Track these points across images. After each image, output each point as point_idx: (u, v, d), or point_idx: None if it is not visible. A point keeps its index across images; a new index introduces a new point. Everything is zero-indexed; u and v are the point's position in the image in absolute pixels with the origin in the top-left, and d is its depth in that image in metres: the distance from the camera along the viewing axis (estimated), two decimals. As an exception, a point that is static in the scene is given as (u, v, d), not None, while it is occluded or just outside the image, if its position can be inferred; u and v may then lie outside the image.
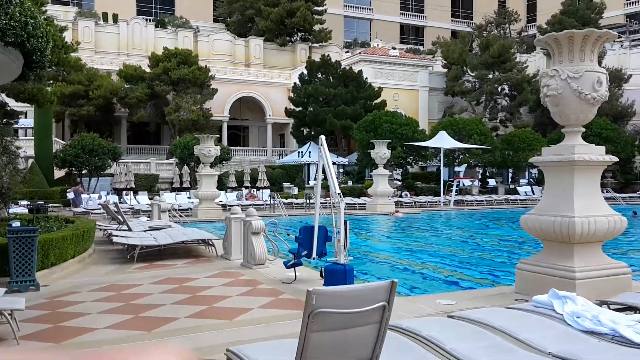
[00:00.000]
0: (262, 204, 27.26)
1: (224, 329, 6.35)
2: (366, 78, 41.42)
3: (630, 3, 67.74)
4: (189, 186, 32.66)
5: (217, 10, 63.63)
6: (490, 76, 46.40)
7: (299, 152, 39.31)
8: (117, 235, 13.09)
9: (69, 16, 49.45)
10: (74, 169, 31.93)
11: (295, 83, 42.42)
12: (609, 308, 5.69)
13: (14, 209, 20.34)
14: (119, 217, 15.69)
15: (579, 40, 7.18)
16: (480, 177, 40.33)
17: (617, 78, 45.73)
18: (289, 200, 28.76)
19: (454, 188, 32.00)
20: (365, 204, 28.07)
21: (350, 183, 35.81)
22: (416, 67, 47.81)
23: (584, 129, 7.67)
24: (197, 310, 7.25)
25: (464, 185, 36.60)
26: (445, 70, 49.70)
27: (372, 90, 40.75)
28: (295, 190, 33.02)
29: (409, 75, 47.33)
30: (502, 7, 68.82)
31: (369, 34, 69.30)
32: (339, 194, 8.31)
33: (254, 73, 48.72)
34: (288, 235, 12.05)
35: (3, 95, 17.94)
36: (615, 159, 7.79)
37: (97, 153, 30.88)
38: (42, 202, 20.84)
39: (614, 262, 7.70)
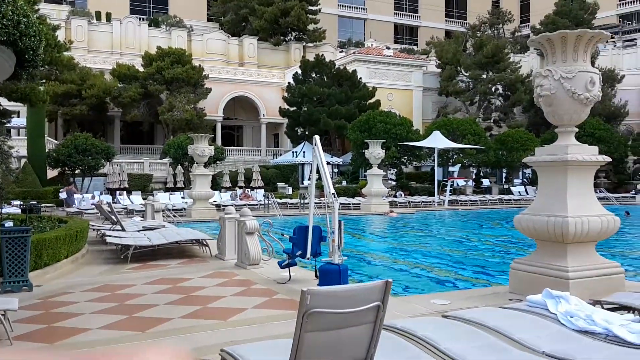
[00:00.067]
0: (256, 204, 27.22)
1: (218, 329, 6.33)
2: (360, 78, 41.45)
3: (623, 4, 68.10)
4: (183, 186, 32.58)
5: (211, 10, 63.54)
6: (484, 76, 46.55)
7: (293, 152, 39.30)
8: (110, 236, 13.04)
9: (61, 15, 49.25)
10: (67, 168, 31.80)
11: (289, 83, 42.40)
12: (603, 307, 5.71)
13: (6, 209, 20.24)
14: (113, 217, 15.63)
15: (572, 40, 7.21)
16: (474, 177, 40.43)
17: (610, 78, 45.96)
18: (283, 200, 28.74)
19: (448, 188, 32.07)
20: (359, 204, 28.08)
21: (344, 183, 35.82)
22: (410, 67, 47.89)
23: (577, 129, 7.70)
24: (191, 310, 7.24)
25: (458, 185, 36.69)
26: (439, 70, 49.81)
27: (366, 90, 40.78)
28: (290, 190, 33.00)
29: (403, 75, 47.39)
30: (495, 7, 69.07)
31: (363, 34, 69.37)
32: (333, 194, 8.31)
33: (248, 72, 48.67)
34: (282, 235, 12.03)
35: (-5, 94, 17.83)
36: (608, 159, 7.82)
37: (90, 153, 30.76)
38: (35, 202, 20.78)
39: (607, 261, 7.73)
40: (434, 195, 32.33)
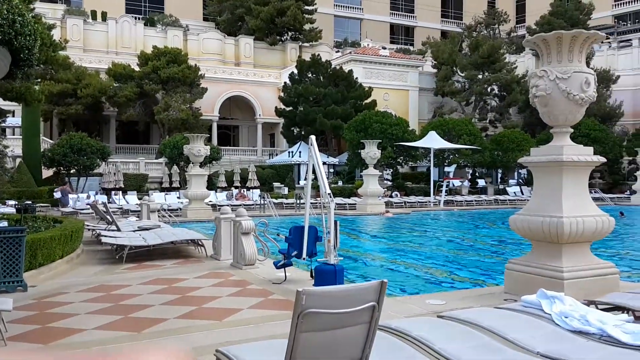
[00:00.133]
0: (252, 204, 27.20)
1: (213, 330, 6.33)
2: (356, 78, 41.46)
3: (618, 4, 68.33)
4: (179, 186, 32.52)
5: (207, 9, 63.46)
6: (480, 76, 46.64)
7: (289, 152, 39.28)
8: (105, 236, 13.00)
9: (57, 14, 49.08)
10: (62, 168, 31.71)
11: (285, 82, 42.38)
12: (597, 308, 5.73)
13: (1, 209, 20.22)
14: (108, 217, 15.59)
15: (567, 41, 7.23)
16: (469, 177, 40.52)
17: (605, 79, 46.13)
18: (279, 200, 28.73)
19: (444, 188, 32.12)
20: (355, 204, 28.09)
21: (340, 183, 35.83)
22: (406, 67, 47.94)
23: (572, 130, 7.72)
24: (187, 310, 7.23)
25: (453, 185, 36.75)
26: (435, 70, 49.86)
27: (362, 90, 40.80)
28: (286, 190, 32.99)
29: (399, 75, 47.43)
30: (491, 7, 69.15)
31: (359, 34, 69.40)
32: (329, 194, 8.31)
33: (244, 72, 48.62)
34: (278, 235, 12.04)
35: (-10, 93, 17.76)
36: (603, 159, 7.85)
37: (86, 152, 30.69)
38: (30, 202, 20.71)
39: (602, 262, 7.76)
40: (429, 196, 32.38)
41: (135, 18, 53.28)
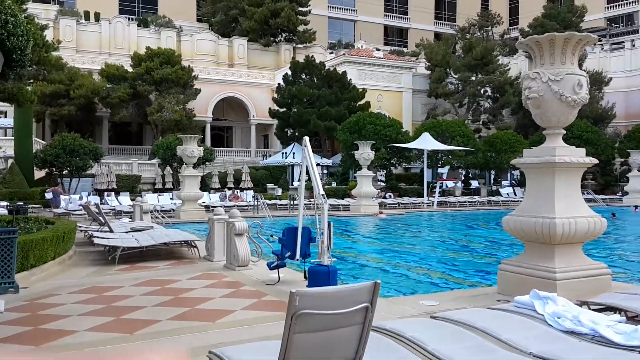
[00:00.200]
0: (246, 205, 27.16)
1: (206, 331, 6.31)
2: (350, 79, 41.51)
3: (611, 7, 68.74)
4: (172, 187, 32.45)
5: (201, 10, 63.39)
6: (473, 78, 46.82)
7: (282, 153, 39.27)
8: (98, 237, 12.95)
9: (50, 14, 48.93)
10: (54, 169, 31.56)
11: (279, 84, 42.38)
12: (589, 308, 5.75)
13: (-7, 210, 20.08)
14: (100, 218, 15.53)
15: (559, 43, 7.27)
16: (463, 178, 40.63)
17: (598, 81, 46.41)
18: (273, 201, 28.70)
19: (437, 189, 32.19)
20: (349, 205, 28.10)
21: (334, 184, 35.85)
22: (400, 68, 48.05)
23: (564, 131, 7.76)
24: (180, 312, 7.20)
25: (447, 186, 36.83)
26: (429, 72, 50.01)
27: (356, 91, 40.85)
28: (279, 192, 32.97)
29: (393, 77, 47.54)
30: (485, 9, 69.46)
31: (353, 35, 69.53)
32: (322, 195, 8.31)
33: (238, 73, 48.59)
34: (272, 236, 12.02)
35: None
36: (595, 161, 7.88)
37: (78, 153, 30.56)
38: (22, 203, 20.59)
39: (594, 263, 7.79)
40: (423, 197, 32.44)
41: (129, 19, 53.14)
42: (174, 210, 24.18)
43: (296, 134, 39.33)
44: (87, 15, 52.49)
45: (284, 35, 55.45)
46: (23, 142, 31.03)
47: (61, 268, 10.76)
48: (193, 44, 51.22)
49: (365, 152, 27.14)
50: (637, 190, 33.94)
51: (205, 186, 31.07)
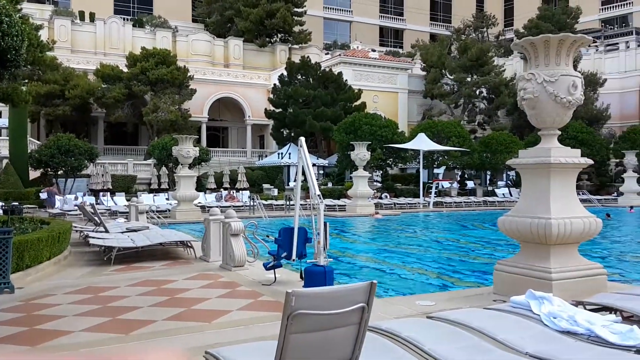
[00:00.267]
0: (242, 206, 27.15)
1: (202, 331, 6.30)
2: (346, 80, 41.55)
3: (605, 8, 69.00)
4: (167, 187, 32.39)
5: (196, 11, 63.31)
6: (469, 79, 46.91)
7: (278, 154, 39.27)
8: (93, 237, 12.91)
9: (45, 14, 48.79)
10: (49, 169, 31.46)
11: (274, 84, 42.37)
12: (585, 308, 5.77)
13: (-13, 210, 20.00)
14: (96, 218, 15.48)
15: (554, 44, 7.29)
16: (458, 179, 40.71)
17: (592, 82, 46.60)
18: (269, 201, 28.69)
19: (433, 190, 32.24)
20: (345, 205, 28.11)
21: (330, 185, 35.87)
22: (395, 69, 48.11)
23: (560, 132, 7.78)
24: (176, 312, 7.19)
25: (442, 187, 36.90)
26: (424, 73, 50.11)
27: (351, 92, 40.89)
28: (275, 192, 32.97)
29: (389, 78, 47.59)
30: (480, 11, 69.65)
31: (348, 36, 69.58)
32: (318, 195, 8.31)
33: (233, 74, 48.57)
34: (268, 237, 12.01)
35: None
36: (591, 161, 7.91)
37: (74, 153, 30.47)
38: (17, 203, 20.50)
39: (590, 263, 7.81)
40: (419, 197, 32.49)
41: (124, 19, 53.03)
42: (169, 210, 24.15)
43: (292, 134, 39.33)
44: (82, 15, 52.33)
45: (279, 35, 55.43)
46: (18, 142, 30.93)
47: (56, 268, 10.73)
48: (188, 44, 51.15)
49: (361, 153, 27.16)
50: (632, 191, 34.10)
51: (201, 186, 31.03)
